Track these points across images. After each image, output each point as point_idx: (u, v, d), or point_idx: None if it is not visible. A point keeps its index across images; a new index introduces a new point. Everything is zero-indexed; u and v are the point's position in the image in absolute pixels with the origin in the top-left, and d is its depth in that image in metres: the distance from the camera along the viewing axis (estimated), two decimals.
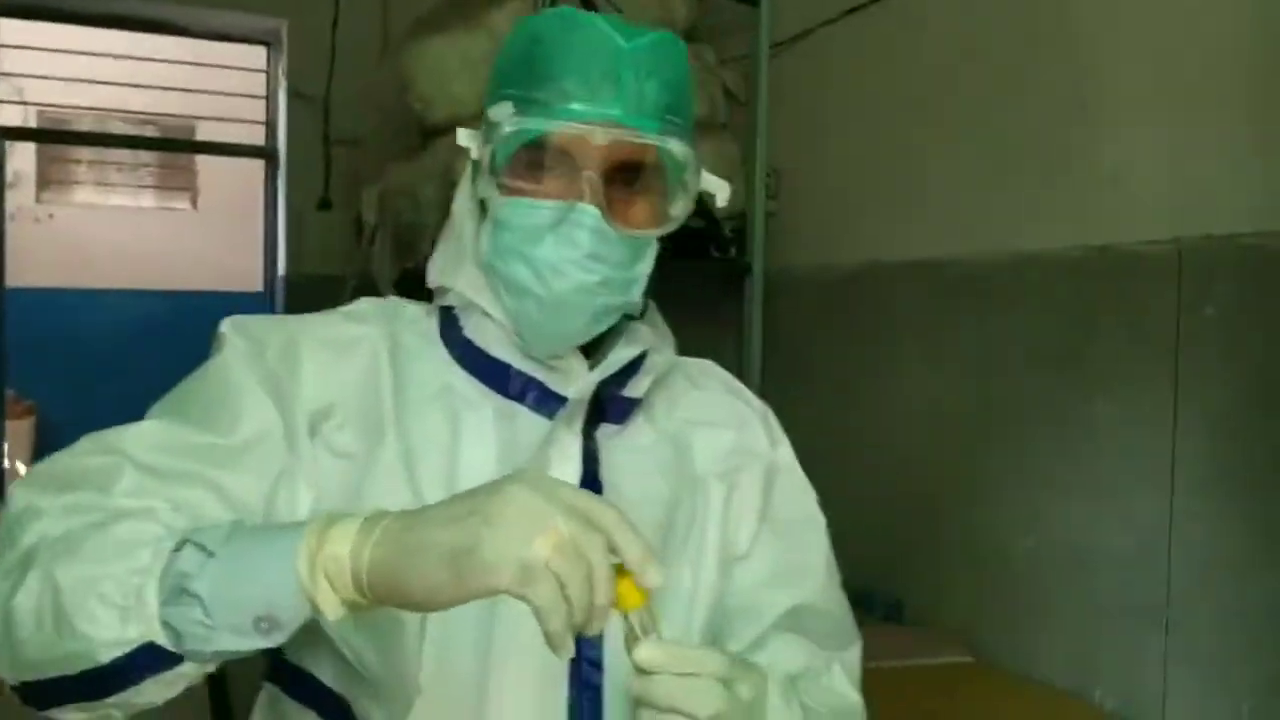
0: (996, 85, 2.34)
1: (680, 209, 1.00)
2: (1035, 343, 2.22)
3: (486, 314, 1.01)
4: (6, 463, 4.75)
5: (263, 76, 5.16)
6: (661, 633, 0.80)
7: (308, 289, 5.01)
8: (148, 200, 7.60)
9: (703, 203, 3.38)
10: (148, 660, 0.76)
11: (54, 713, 0.83)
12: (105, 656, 0.76)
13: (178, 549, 0.76)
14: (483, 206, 1.01)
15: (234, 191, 7.02)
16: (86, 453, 0.90)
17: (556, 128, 0.93)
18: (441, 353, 1.03)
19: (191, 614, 0.74)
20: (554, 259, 0.95)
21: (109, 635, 0.75)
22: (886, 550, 2.65)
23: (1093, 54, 2.11)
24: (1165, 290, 1.92)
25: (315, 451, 0.95)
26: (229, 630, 0.74)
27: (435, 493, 0.88)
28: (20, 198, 6.88)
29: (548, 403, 1.01)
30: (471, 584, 0.72)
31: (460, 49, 2.98)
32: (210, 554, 0.75)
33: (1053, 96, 2.20)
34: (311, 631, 0.93)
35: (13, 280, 4.63)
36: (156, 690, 0.79)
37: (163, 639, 0.75)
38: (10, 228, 4.74)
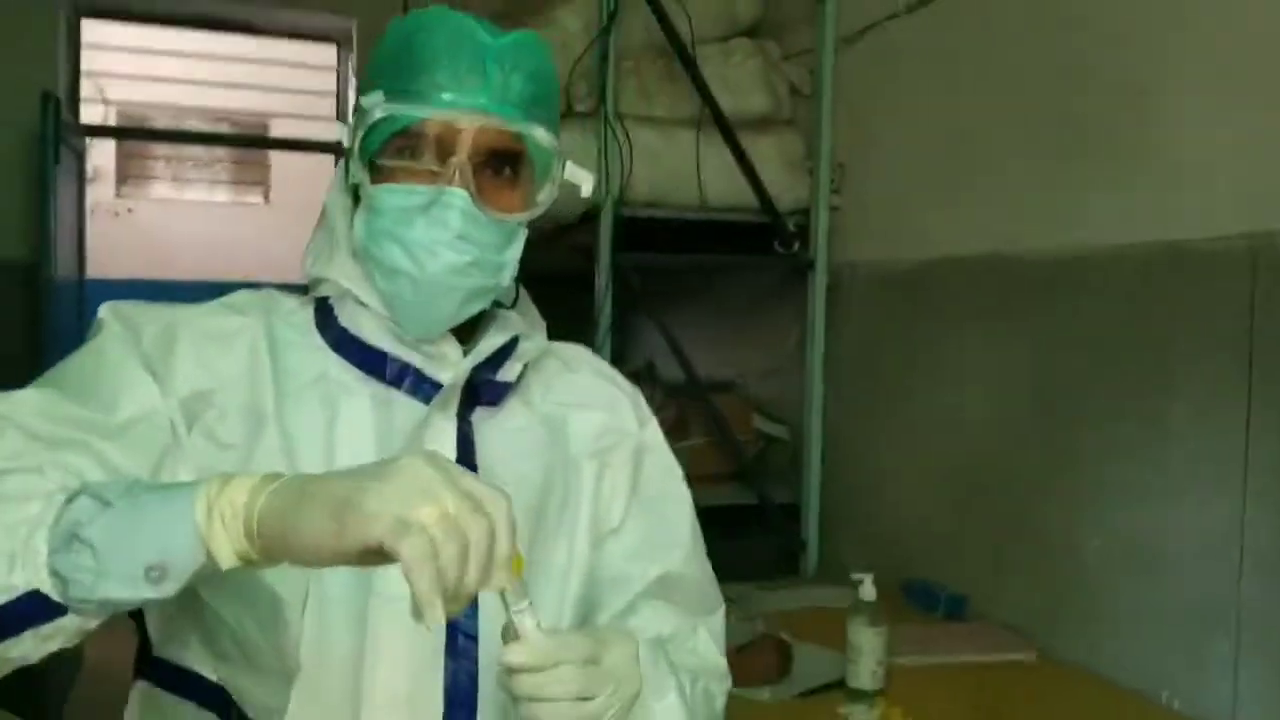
0: (1063, 77, 2.32)
1: (546, 195, 1.04)
2: (1102, 340, 2.20)
3: (361, 302, 1.04)
4: None
5: (333, 73, 5.25)
6: (538, 623, 0.84)
7: None
8: (222, 195, 7.76)
9: (766, 198, 3.39)
10: (30, 609, 0.76)
11: None
12: None
13: (70, 500, 0.77)
14: (355, 194, 1.05)
15: (305, 186, 7.14)
16: None
17: (426, 114, 0.97)
18: (317, 341, 1.06)
19: (81, 560, 0.74)
20: (426, 240, 0.98)
21: None
22: (949, 546, 2.64)
23: (1162, 44, 2.08)
24: (1238, 287, 1.89)
25: (195, 440, 0.97)
26: (118, 578, 0.74)
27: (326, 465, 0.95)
28: (100, 192, 7.06)
29: (423, 388, 1.04)
30: (351, 532, 0.72)
31: None
32: (107, 504, 0.76)
33: (1121, 88, 2.17)
34: (182, 624, 0.99)
35: (93, 271, 4.77)
36: (33, 644, 0.78)
37: (48, 587, 0.75)
38: (90, 221, 4.88)
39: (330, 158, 5.62)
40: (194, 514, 0.75)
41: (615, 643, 0.94)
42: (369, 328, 1.05)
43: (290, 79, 6.44)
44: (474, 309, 1.05)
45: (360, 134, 1.00)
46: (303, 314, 1.09)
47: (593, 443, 1.14)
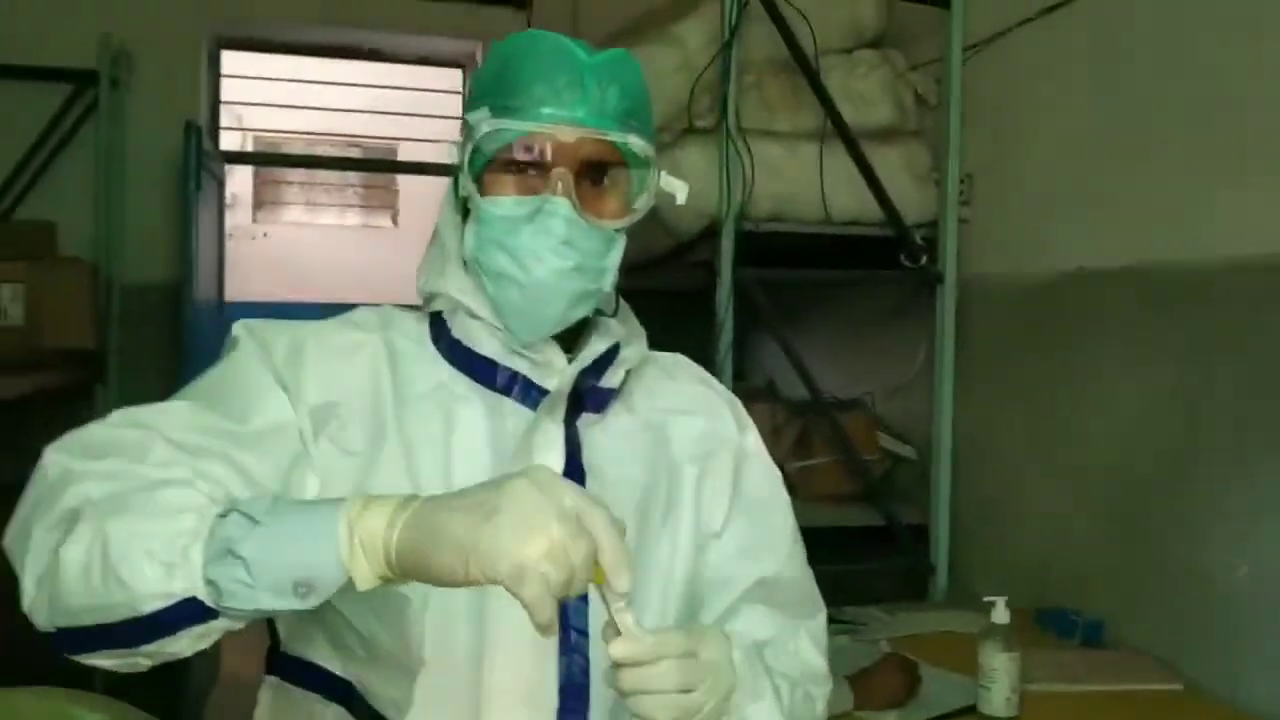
0: (1211, 80, 2.21)
1: (642, 203, 1.08)
2: (1253, 355, 2.08)
3: (473, 314, 1.10)
4: None
5: (458, 98, 5.37)
6: (636, 620, 0.89)
7: None
8: (353, 218, 7.99)
9: (892, 211, 3.33)
10: (187, 614, 0.83)
11: (83, 657, 0.89)
12: (147, 608, 0.82)
13: (223, 515, 0.83)
14: (464, 209, 1.10)
15: (431, 209, 7.29)
16: (119, 425, 0.96)
17: (529, 128, 1.03)
18: (432, 353, 1.11)
19: (235, 574, 0.80)
20: (532, 247, 1.04)
21: (154, 589, 0.81)
22: (1085, 570, 2.53)
23: None
24: None
25: (321, 447, 1.03)
26: (269, 591, 0.81)
27: (433, 483, 1.01)
28: (238, 217, 7.34)
29: (531, 395, 1.09)
30: (474, 572, 0.80)
31: (650, 62, 3.02)
32: (256, 521, 0.82)
33: (1260, 91, 2.06)
34: (309, 622, 1.06)
35: (232, 294, 4.96)
36: (189, 642, 0.85)
37: (204, 594, 0.82)
38: (229, 245, 5.07)
39: None
40: (337, 540, 0.82)
41: (710, 638, 0.98)
42: (480, 338, 1.10)
43: (417, 104, 6.59)
44: (579, 313, 1.09)
45: (468, 150, 1.06)
46: (419, 328, 1.14)
47: (694, 447, 1.18)
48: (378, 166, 7.87)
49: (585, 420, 1.11)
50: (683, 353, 1.28)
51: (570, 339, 1.11)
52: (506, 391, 1.09)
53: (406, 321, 1.15)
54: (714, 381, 1.28)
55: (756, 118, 2.94)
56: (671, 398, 1.20)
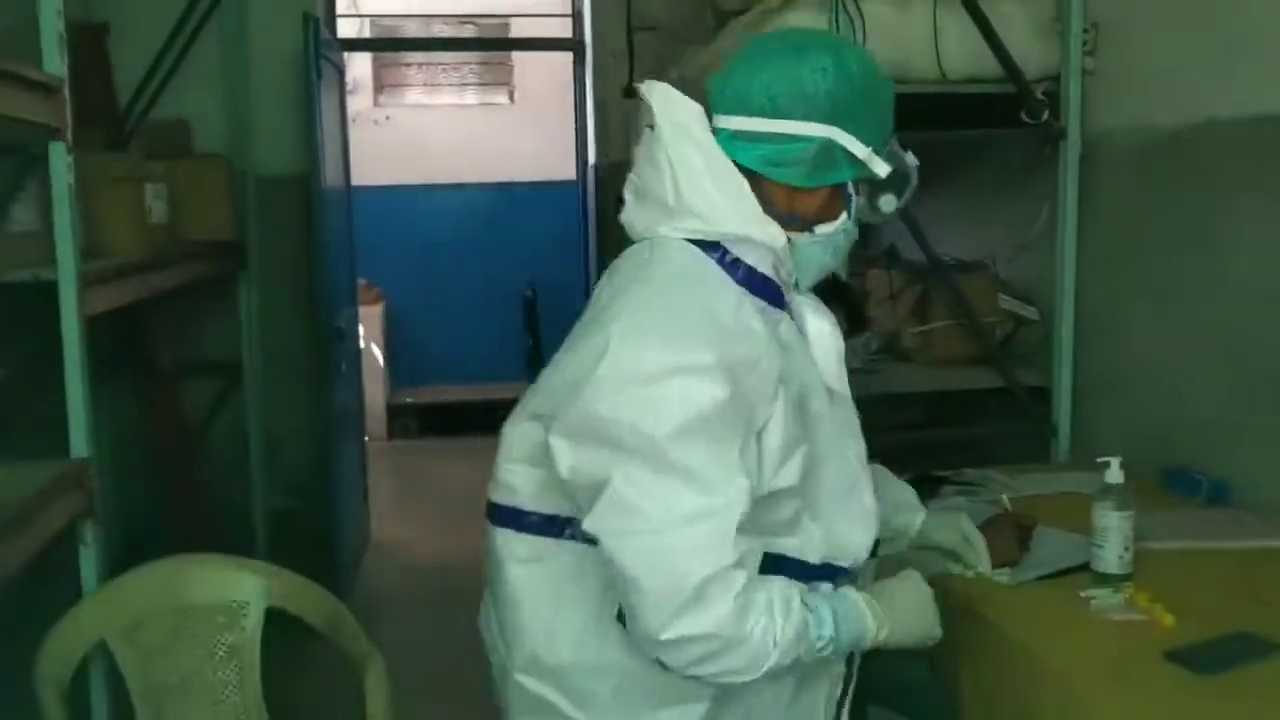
0: None
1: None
2: None
3: (770, 250, 1.38)
4: (362, 343, 5.30)
5: None
6: None
7: (618, 176, 5.19)
8: (470, 97, 8.04)
9: (1012, 66, 3.23)
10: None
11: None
12: None
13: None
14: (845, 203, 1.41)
15: (545, 84, 7.30)
16: None
17: (914, 179, 1.46)
18: (743, 293, 1.36)
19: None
20: (845, 254, 1.49)
21: None
22: (1211, 430, 2.49)
23: None
24: None
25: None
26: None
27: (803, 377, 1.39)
28: (360, 103, 7.47)
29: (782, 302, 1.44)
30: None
31: None
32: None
33: None
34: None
35: (357, 179, 5.10)
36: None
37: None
38: (353, 131, 5.19)
39: (568, 55, 5.72)
40: (870, 634, 1.42)
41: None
42: (769, 270, 1.39)
43: None
44: None
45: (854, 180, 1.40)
46: (728, 279, 1.36)
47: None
48: (492, 45, 7.87)
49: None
50: None
51: None
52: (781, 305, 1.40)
53: (716, 273, 1.37)
54: None
55: None
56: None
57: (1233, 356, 2.44)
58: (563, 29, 5.94)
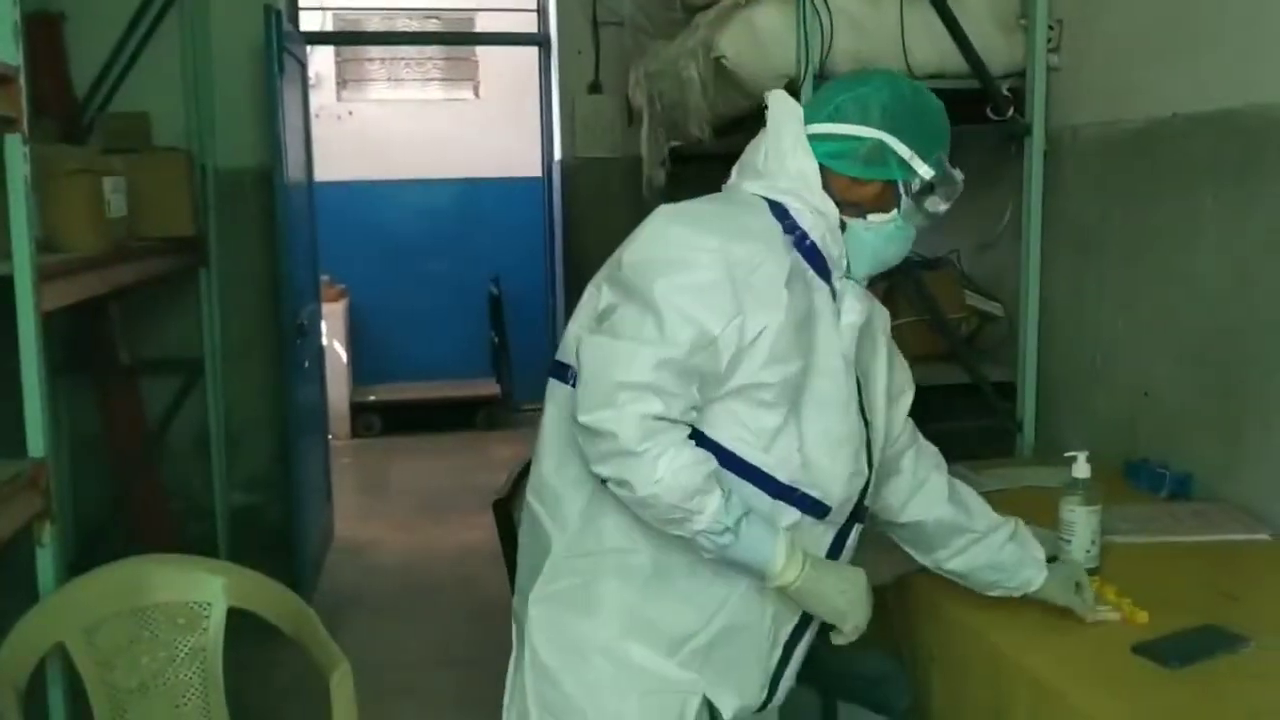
0: None
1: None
2: None
3: (824, 219, 1.60)
4: (325, 340, 5.24)
5: None
6: None
7: (584, 172, 5.17)
8: (434, 92, 7.98)
9: (977, 62, 3.23)
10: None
11: None
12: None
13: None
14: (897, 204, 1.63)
15: (510, 79, 7.26)
16: None
17: (960, 187, 1.67)
18: (785, 237, 1.57)
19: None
20: (899, 252, 1.69)
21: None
22: (1174, 424, 2.51)
23: None
24: None
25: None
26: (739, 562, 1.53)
27: (817, 320, 1.57)
28: (322, 97, 7.40)
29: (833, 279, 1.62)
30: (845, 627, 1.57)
31: None
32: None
33: None
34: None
35: (320, 175, 5.04)
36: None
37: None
38: (316, 126, 5.14)
39: (533, 50, 5.69)
40: (780, 568, 1.51)
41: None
42: (815, 236, 1.59)
43: None
44: None
45: (903, 180, 1.61)
46: (776, 223, 1.57)
47: (876, 316, 1.70)
48: (456, 40, 7.82)
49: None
50: None
51: None
52: (827, 277, 1.59)
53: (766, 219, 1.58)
54: None
55: None
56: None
57: (1195, 351, 2.46)
58: (528, 23, 5.91)
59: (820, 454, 1.55)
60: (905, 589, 1.95)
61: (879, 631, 1.88)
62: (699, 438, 1.49)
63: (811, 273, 1.57)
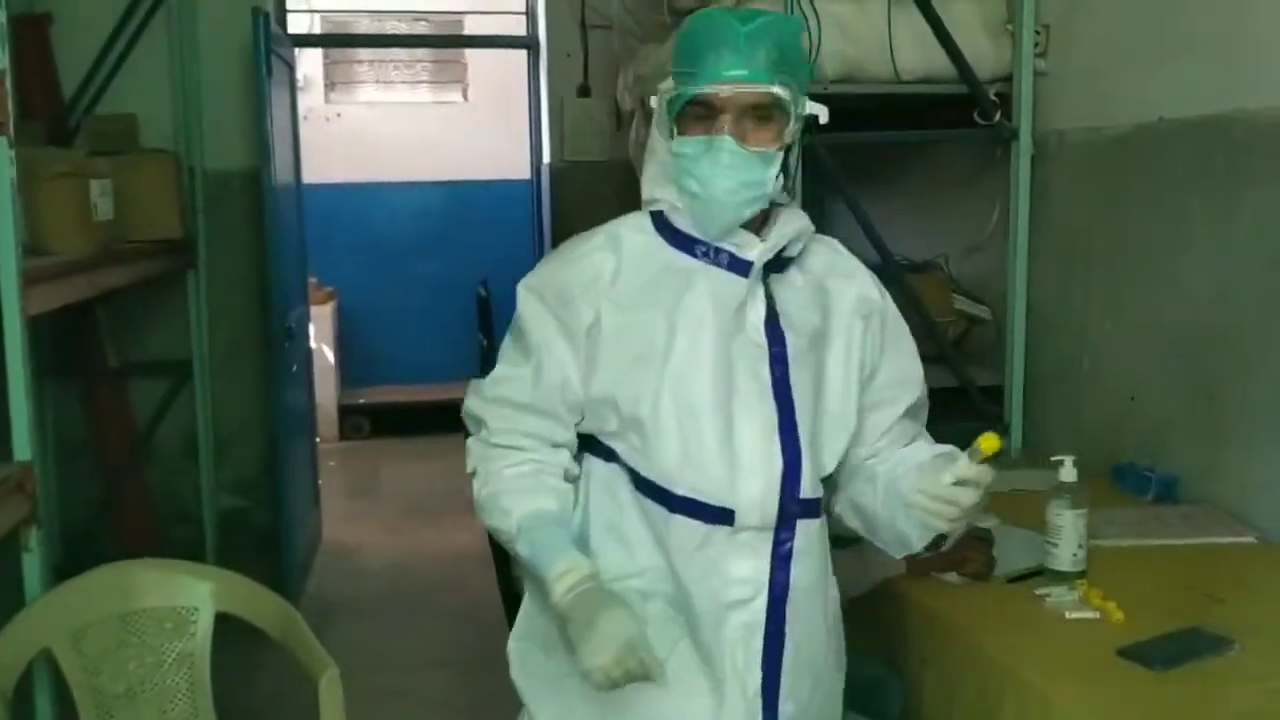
0: None
1: (790, 133, 1.47)
2: None
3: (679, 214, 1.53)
4: (313, 343, 5.23)
5: None
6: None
7: (572, 175, 5.18)
8: (423, 95, 7.97)
9: (965, 67, 3.23)
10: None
11: None
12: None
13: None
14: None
15: (500, 82, 7.25)
16: None
17: (699, 88, 1.43)
18: (660, 240, 1.54)
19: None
20: (708, 173, 1.45)
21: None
22: (1160, 428, 2.53)
23: None
24: None
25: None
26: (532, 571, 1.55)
27: (685, 319, 1.48)
28: (311, 100, 7.38)
29: (738, 264, 1.50)
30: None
31: None
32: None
33: None
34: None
35: (308, 177, 5.03)
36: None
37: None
38: (304, 128, 5.12)
39: (522, 53, 5.69)
40: (553, 582, 1.46)
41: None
42: (693, 228, 1.51)
43: None
44: (748, 214, 1.49)
45: (664, 106, 1.48)
46: (646, 221, 1.55)
47: (856, 306, 1.57)
48: (445, 43, 7.80)
49: (774, 279, 1.52)
50: None
51: (760, 224, 1.52)
52: (719, 264, 1.50)
53: (635, 220, 1.57)
54: (855, 258, 1.63)
55: None
56: (833, 266, 1.59)
57: (1181, 355, 2.47)
58: (517, 26, 5.91)
59: (706, 461, 1.46)
60: (898, 595, 1.96)
61: (872, 637, 1.89)
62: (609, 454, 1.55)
63: (683, 256, 1.50)
